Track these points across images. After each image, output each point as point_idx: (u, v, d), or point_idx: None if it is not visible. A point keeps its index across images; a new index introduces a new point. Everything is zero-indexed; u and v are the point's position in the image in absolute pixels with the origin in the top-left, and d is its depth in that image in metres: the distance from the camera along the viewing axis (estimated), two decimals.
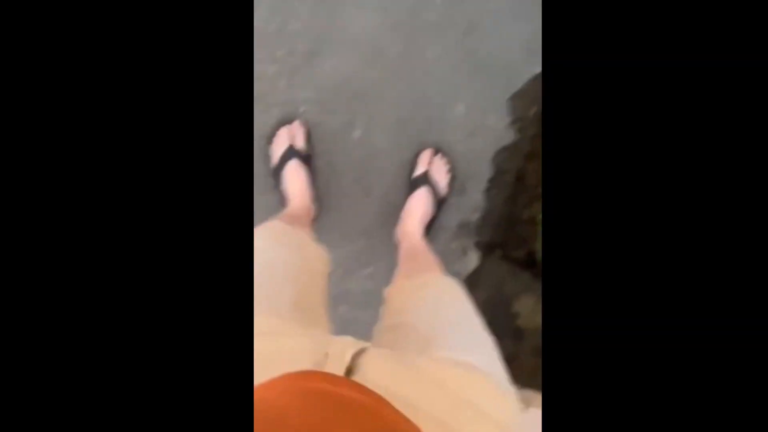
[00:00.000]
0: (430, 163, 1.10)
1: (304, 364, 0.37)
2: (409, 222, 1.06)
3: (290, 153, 1.06)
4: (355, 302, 1.26)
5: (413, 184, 1.10)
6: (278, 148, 1.09)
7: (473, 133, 1.17)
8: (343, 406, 0.28)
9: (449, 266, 1.24)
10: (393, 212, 1.17)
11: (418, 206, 1.07)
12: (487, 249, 1.24)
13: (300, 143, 1.07)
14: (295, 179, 1.07)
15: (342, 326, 1.30)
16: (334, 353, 0.39)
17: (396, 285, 0.74)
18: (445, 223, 1.20)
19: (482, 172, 1.18)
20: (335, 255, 1.25)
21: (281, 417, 0.26)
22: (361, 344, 0.41)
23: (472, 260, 1.25)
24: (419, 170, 1.10)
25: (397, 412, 0.30)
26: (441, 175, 1.10)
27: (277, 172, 1.09)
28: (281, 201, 1.14)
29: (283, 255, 0.62)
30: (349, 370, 0.38)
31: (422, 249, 0.93)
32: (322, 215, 1.17)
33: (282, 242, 0.65)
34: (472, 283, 1.26)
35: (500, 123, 1.17)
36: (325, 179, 1.15)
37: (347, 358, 0.38)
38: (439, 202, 1.11)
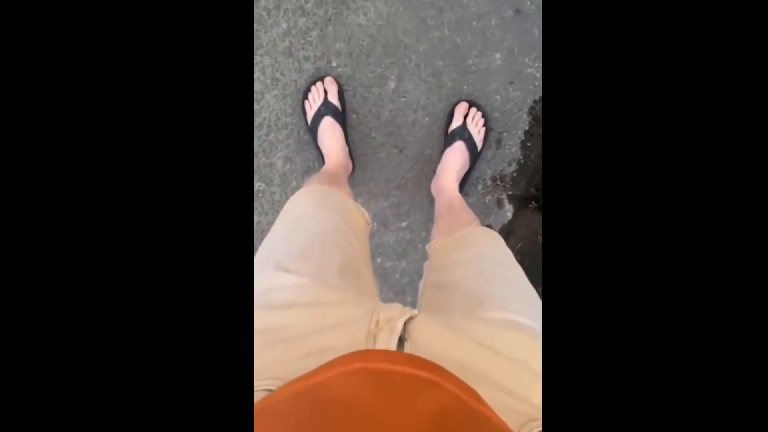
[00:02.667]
0: (465, 116, 1.09)
1: (358, 337, 0.39)
2: (445, 177, 1.06)
3: (324, 109, 1.06)
4: (392, 254, 1.29)
5: (449, 138, 1.10)
6: (312, 104, 1.09)
7: (510, 83, 1.14)
8: (409, 387, 0.29)
9: (483, 219, 1.25)
10: (428, 166, 1.18)
11: (454, 161, 1.07)
12: (521, 201, 1.24)
13: (333, 98, 1.07)
14: (330, 136, 1.07)
15: (379, 277, 1.36)
16: (385, 321, 0.40)
17: (437, 241, 0.75)
18: (480, 176, 1.19)
19: (519, 123, 1.16)
20: (371, 209, 1.28)
21: (353, 403, 0.27)
22: (409, 311, 0.43)
23: (507, 213, 1.26)
24: (455, 124, 1.09)
25: (459, 382, 0.31)
26: (477, 129, 1.09)
27: (312, 128, 1.10)
28: (318, 157, 1.16)
29: (330, 221, 0.63)
30: (401, 340, 0.39)
31: (459, 204, 0.94)
32: (358, 170, 1.18)
33: (326, 208, 0.66)
34: (507, 235, 1.28)
35: (538, 72, 1.14)
36: (360, 134, 1.16)
37: (398, 327, 0.39)
38: (475, 156, 1.11)
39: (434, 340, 0.40)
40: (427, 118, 1.15)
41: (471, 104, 1.09)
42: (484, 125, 1.10)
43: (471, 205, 1.21)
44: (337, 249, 0.58)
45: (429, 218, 1.24)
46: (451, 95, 1.13)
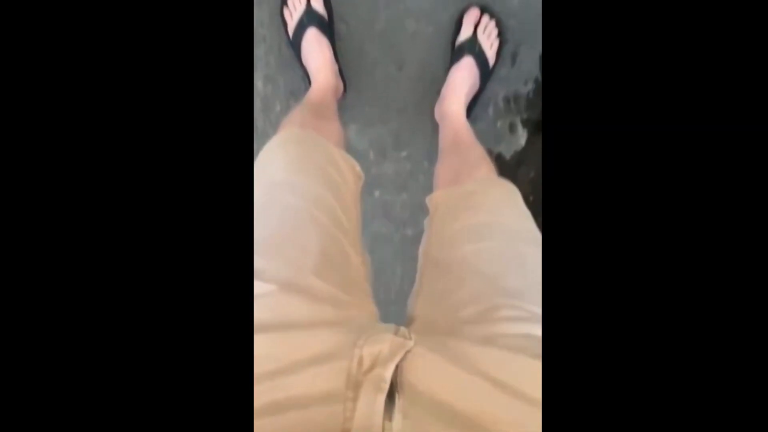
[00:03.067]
0: (476, 25, 0.91)
1: (336, 382, 0.30)
2: (451, 100, 0.91)
3: (307, 19, 0.89)
4: (391, 186, 1.17)
5: (456, 53, 0.93)
6: (293, 12, 0.91)
7: None
8: None
9: (493, 146, 1.11)
10: (431, 86, 1.02)
11: (462, 80, 0.91)
12: (536, 126, 1.09)
13: (318, 5, 0.89)
14: (316, 52, 0.91)
15: (376, 210, 1.25)
16: (371, 360, 0.31)
17: (440, 192, 0.62)
18: (492, 97, 1.04)
19: (538, 34, 0.98)
20: (366, 136, 1.14)
21: None
22: (401, 345, 0.33)
23: (520, 139, 1.11)
24: (463, 35, 0.92)
25: None
26: (489, 41, 0.91)
27: (295, 42, 0.93)
28: (304, 76, 1.00)
29: (309, 189, 0.49)
30: (392, 387, 0.30)
31: (467, 137, 0.80)
32: (350, 92, 1.03)
33: (305, 168, 0.52)
34: (518, 164, 1.14)
35: None
36: (351, 48, 0.99)
37: (386, 378, 0.30)
38: (486, 74, 0.95)
39: (435, 384, 0.30)
40: (430, 28, 0.97)
41: (483, 11, 0.91)
42: (498, 36, 0.93)
43: (480, 132, 1.06)
44: (316, 230, 0.46)
45: (432, 146, 1.10)
46: (458, 0, 0.94)
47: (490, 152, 1.11)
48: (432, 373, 0.31)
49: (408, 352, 0.32)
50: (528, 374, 0.31)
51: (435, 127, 1.05)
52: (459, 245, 0.50)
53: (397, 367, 0.31)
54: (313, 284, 0.40)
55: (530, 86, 1.04)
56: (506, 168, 1.12)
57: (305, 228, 0.46)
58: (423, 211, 1.25)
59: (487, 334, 0.38)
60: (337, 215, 0.49)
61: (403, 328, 0.37)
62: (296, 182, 0.50)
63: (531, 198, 1.13)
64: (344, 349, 0.32)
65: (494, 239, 0.48)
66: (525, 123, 1.09)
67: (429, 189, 1.18)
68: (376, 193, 1.19)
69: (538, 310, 0.40)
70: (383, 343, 0.32)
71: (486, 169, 0.66)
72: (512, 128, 1.10)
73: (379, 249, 1.28)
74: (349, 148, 1.11)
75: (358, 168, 0.61)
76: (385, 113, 1.07)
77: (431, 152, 1.11)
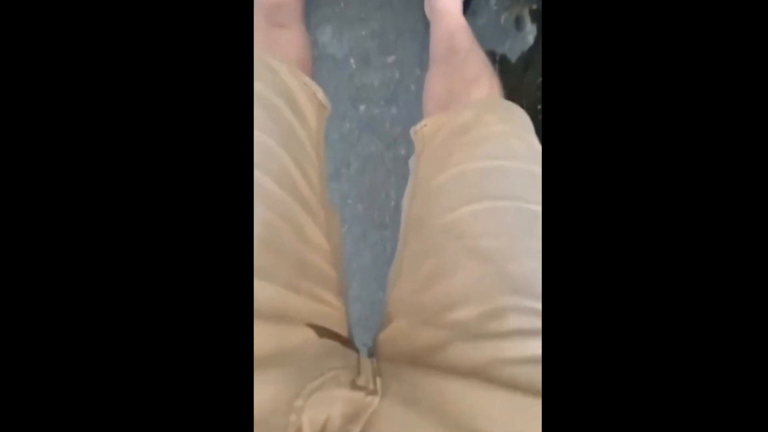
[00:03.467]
0: None
1: None
2: None
3: None
4: (378, 98, 1.01)
5: None
6: None
7: None
8: None
9: (497, 46, 0.93)
10: None
11: None
12: None
13: None
14: None
15: (363, 128, 1.10)
16: (313, 429, 0.22)
17: (428, 122, 0.48)
18: None
19: None
20: (344, 40, 0.97)
21: None
22: (361, 403, 0.23)
23: (528, 36, 0.93)
24: None
25: None
26: None
27: None
28: None
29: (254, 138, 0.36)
30: None
31: (464, 40, 0.64)
32: None
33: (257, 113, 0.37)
34: (526, 67, 0.97)
35: None
36: None
37: None
38: None
39: None
40: None
41: None
42: None
43: (480, 30, 0.88)
44: (256, 205, 0.33)
45: (424, 48, 0.93)
46: None
47: (492, 55, 0.94)
48: None
49: (371, 412, 0.22)
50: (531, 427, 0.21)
51: (427, 24, 0.87)
52: (450, 205, 0.37)
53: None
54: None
55: None
56: (511, 72, 0.95)
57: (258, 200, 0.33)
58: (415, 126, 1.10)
59: (487, 358, 0.28)
60: (289, 174, 0.36)
61: (365, 360, 0.26)
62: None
63: (539, 107, 0.98)
64: (278, 409, 0.22)
65: (495, 197, 0.36)
66: (534, 16, 0.91)
67: (422, 100, 1.03)
68: (362, 108, 1.03)
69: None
70: (334, 404, 0.22)
71: (487, 85, 0.51)
72: (519, 23, 0.92)
73: (370, 171, 1.16)
74: (324, 57, 0.94)
75: (321, 96, 0.46)
76: (366, 10, 0.88)
77: (423, 55, 0.94)
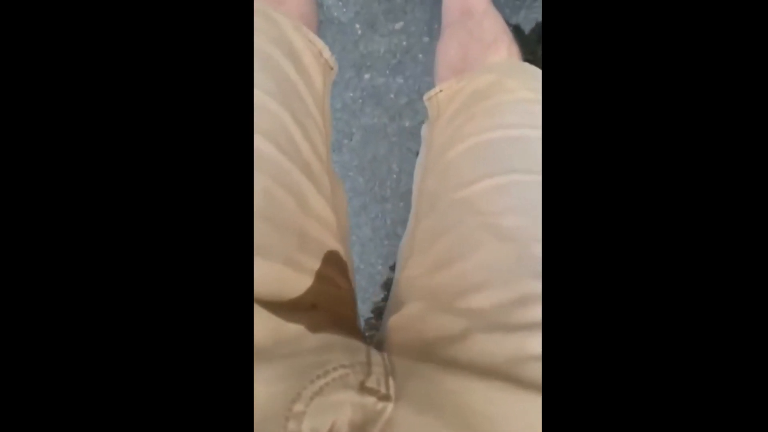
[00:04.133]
0: None
1: None
2: None
3: None
4: (383, 67, 0.97)
5: None
6: None
7: None
8: None
9: (510, 16, 0.89)
10: None
11: None
12: None
13: None
14: None
15: (367, 98, 1.06)
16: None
17: (443, 88, 0.45)
18: None
19: None
20: (350, 4, 0.92)
21: None
22: (372, 410, 0.20)
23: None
24: None
25: None
26: None
27: None
28: None
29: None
30: None
31: (478, 2, 0.59)
32: None
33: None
34: (541, 38, 0.93)
35: None
36: None
37: None
38: None
39: None
40: None
41: None
42: None
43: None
44: (256, 171, 0.30)
45: (434, 16, 0.89)
46: None
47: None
48: None
49: (384, 422, 0.19)
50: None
51: None
52: (467, 179, 0.34)
53: None
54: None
55: None
56: (525, 44, 0.91)
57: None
58: (423, 97, 1.07)
59: (510, 353, 0.25)
60: (290, 137, 0.33)
61: (375, 355, 0.23)
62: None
63: None
64: (274, 414, 0.19)
65: (518, 170, 0.33)
66: None
67: (430, 71, 0.99)
68: (366, 77, 0.99)
69: None
70: (340, 410, 0.19)
71: (506, 48, 0.47)
72: None
73: (372, 143, 1.12)
74: (329, 21, 0.90)
75: (327, 54, 0.43)
76: None
77: (433, 23, 0.90)
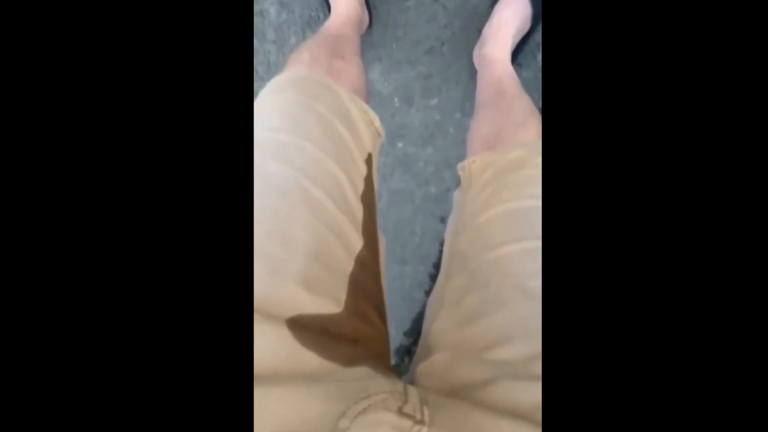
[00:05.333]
0: None
1: None
2: (495, 42, 0.76)
3: None
4: (416, 138, 1.04)
5: None
6: None
7: None
8: None
9: (539, 100, 0.96)
10: (471, 23, 0.86)
11: (510, 18, 0.76)
12: None
13: None
14: None
15: (397, 164, 1.13)
16: None
17: (476, 158, 0.50)
18: (541, 41, 0.88)
19: None
20: (391, 80, 1.00)
21: None
22: None
23: None
24: None
25: None
26: None
27: None
28: (323, 4, 0.86)
29: (308, 155, 0.37)
30: None
31: (512, 86, 0.66)
32: (376, 26, 0.88)
33: (306, 123, 0.39)
34: None
35: None
36: None
37: None
38: (539, 13, 0.79)
39: None
40: None
41: None
42: None
43: (525, 82, 0.91)
44: (308, 213, 0.35)
45: (466, 96, 0.96)
46: None
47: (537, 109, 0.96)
48: None
49: None
50: None
51: (472, 74, 0.91)
52: (497, 241, 0.38)
53: None
54: (295, 301, 0.30)
55: None
56: None
57: (292, 209, 0.35)
58: (450, 167, 1.13)
59: (534, 403, 0.28)
60: (341, 191, 0.38)
61: (411, 387, 0.26)
62: (287, 143, 0.38)
63: None
64: (322, 429, 0.22)
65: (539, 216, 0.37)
66: None
67: (459, 144, 1.05)
68: (399, 145, 1.06)
69: None
70: (380, 429, 0.22)
71: (536, 128, 0.53)
72: None
73: (398, 206, 1.17)
74: (371, 93, 0.98)
75: (377, 123, 0.49)
76: (415, 53, 0.92)
77: (465, 102, 0.97)
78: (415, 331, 1.47)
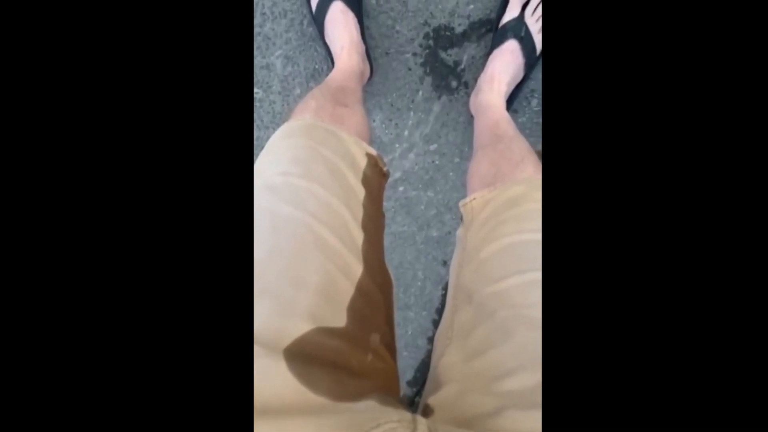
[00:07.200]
0: (524, 5, 0.79)
1: None
2: (489, 90, 0.80)
3: None
4: (417, 181, 1.07)
5: (499, 35, 0.82)
6: None
7: None
8: None
9: (536, 144, 0.99)
10: (469, 72, 0.91)
11: (504, 67, 0.80)
12: None
13: None
14: (341, 29, 0.81)
15: (401, 208, 1.15)
16: None
17: (476, 197, 0.51)
18: (537, 87, 0.92)
19: None
20: (392, 126, 1.04)
21: None
22: None
23: None
24: (508, 15, 0.80)
25: None
26: (538, 25, 0.80)
27: (318, 18, 0.84)
28: (327, 57, 0.90)
29: (316, 197, 0.39)
30: None
31: (508, 129, 0.69)
32: (377, 76, 0.92)
33: (315, 166, 0.41)
34: None
35: None
36: (380, 26, 0.88)
37: None
38: (532, 61, 0.83)
39: None
40: (471, 6, 0.86)
41: None
42: None
43: (521, 126, 0.95)
44: (318, 254, 0.36)
45: (465, 141, 1.00)
46: None
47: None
48: None
49: None
50: None
51: (469, 119, 0.94)
52: (500, 274, 0.39)
53: None
54: (306, 339, 0.31)
55: None
56: None
57: (302, 250, 0.36)
58: (450, 211, 1.14)
59: (537, 427, 0.28)
60: (349, 231, 0.39)
61: (419, 417, 0.27)
62: (297, 186, 0.40)
63: None
64: None
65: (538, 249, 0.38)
66: None
67: (459, 187, 1.08)
68: (400, 189, 1.09)
69: None
70: None
71: (532, 167, 0.54)
72: None
73: (400, 250, 1.19)
74: (373, 140, 1.01)
75: (382, 163, 0.51)
76: (415, 101, 0.96)
77: (463, 146, 1.00)
78: (420, 380, 1.44)
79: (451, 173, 1.05)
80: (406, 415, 0.29)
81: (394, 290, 1.36)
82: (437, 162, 1.04)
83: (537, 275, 0.37)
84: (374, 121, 0.99)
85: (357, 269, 0.38)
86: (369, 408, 0.30)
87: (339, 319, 0.34)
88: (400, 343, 1.39)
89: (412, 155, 1.03)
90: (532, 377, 0.32)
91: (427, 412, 0.36)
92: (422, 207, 1.12)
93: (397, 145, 1.02)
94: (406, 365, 1.44)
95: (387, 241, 1.19)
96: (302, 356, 0.30)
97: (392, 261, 1.21)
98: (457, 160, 1.02)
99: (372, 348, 0.36)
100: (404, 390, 1.44)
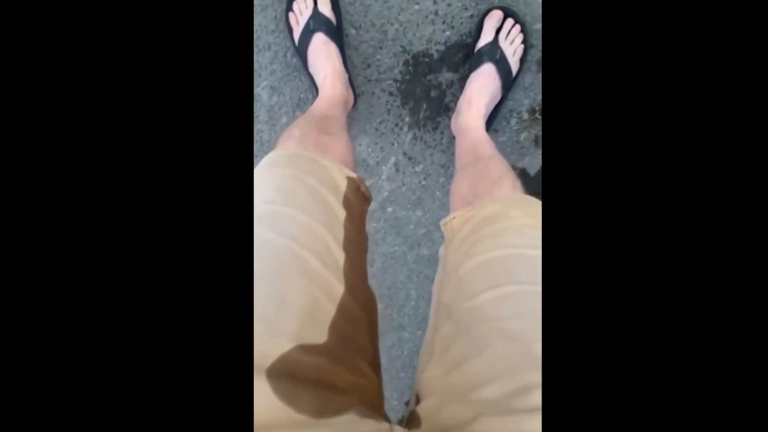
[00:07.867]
0: (498, 29, 0.83)
1: None
2: (468, 112, 0.83)
3: (314, 23, 0.82)
4: (405, 202, 1.09)
5: (475, 59, 0.85)
6: (299, 17, 0.84)
7: None
8: None
9: (515, 161, 1.02)
10: (449, 95, 0.94)
11: (481, 89, 0.83)
12: None
13: (325, 8, 0.83)
14: (323, 59, 0.84)
15: (390, 228, 1.17)
16: None
17: (456, 215, 0.53)
18: (515, 108, 0.95)
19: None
20: (380, 149, 1.07)
21: None
22: None
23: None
24: (484, 40, 0.84)
25: None
26: (512, 48, 0.83)
27: (301, 49, 0.87)
28: (311, 86, 0.93)
29: (300, 224, 0.41)
30: None
31: (487, 149, 0.72)
32: (361, 103, 0.95)
33: (297, 194, 0.43)
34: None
35: None
36: (361, 55, 0.91)
37: None
38: (509, 83, 0.86)
39: None
40: (447, 32, 0.89)
41: (506, 14, 0.83)
42: (523, 42, 0.84)
43: (501, 146, 0.98)
44: (300, 277, 0.38)
45: (449, 161, 1.02)
46: (479, 3, 0.86)
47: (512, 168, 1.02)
48: None
49: None
50: None
51: (452, 140, 0.97)
52: (476, 290, 0.41)
53: None
54: (288, 357, 0.32)
55: None
56: (531, 186, 1.03)
57: (286, 274, 0.38)
58: (439, 229, 1.16)
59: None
60: (331, 253, 0.41)
61: (398, 428, 0.28)
62: (281, 214, 0.42)
63: None
64: None
65: (520, 281, 0.40)
66: None
67: (446, 206, 1.10)
68: (389, 210, 1.11)
69: None
70: None
71: (510, 185, 0.57)
72: (538, 141, 1.01)
73: (392, 270, 1.20)
74: (360, 164, 1.04)
75: (364, 187, 0.53)
76: (398, 125, 0.99)
77: (449, 167, 1.03)
78: None
79: (437, 192, 1.07)
80: (384, 425, 0.31)
81: (389, 311, 1.37)
82: (423, 182, 1.06)
83: (510, 288, 0.39)
84: (360, 145, 1.01)
85: (339, 290, 0.40)
86: (348, 421, 0.31)
87: (321, 338, 0.36)
88: (396, 365, 1.40)
89: (399, 176, 1.06)
90: (507, 384, 0.33)
91: (411, 424, 0.37)
92: (411, 227, 1.14)
93: (384, 168, 1.05)
94: (405, 386, 1.44)
95: (378, 261, 1.21)
96: (285, 375, 0.32)
97: (385, 281, 1.22)
98: (442, 179, 1.05)
99: (355, 366, 0.37)
100: (402, 411, 1.43)
